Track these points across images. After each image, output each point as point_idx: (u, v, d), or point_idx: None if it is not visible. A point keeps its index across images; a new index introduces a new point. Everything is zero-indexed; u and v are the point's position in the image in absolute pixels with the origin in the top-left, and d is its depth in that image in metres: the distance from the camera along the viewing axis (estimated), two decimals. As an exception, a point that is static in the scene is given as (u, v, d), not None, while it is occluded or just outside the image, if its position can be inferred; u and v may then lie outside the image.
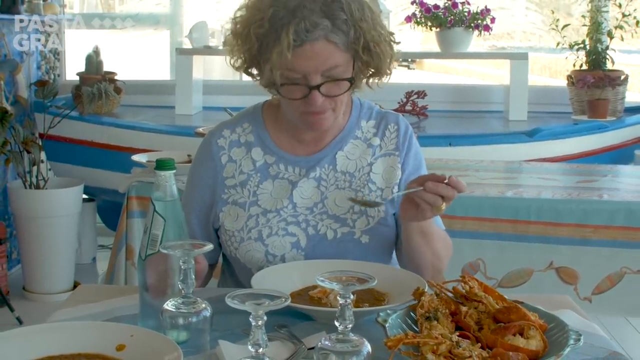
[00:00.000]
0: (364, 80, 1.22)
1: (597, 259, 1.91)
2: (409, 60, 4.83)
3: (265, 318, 0.78)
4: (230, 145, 1.26)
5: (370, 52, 1.16)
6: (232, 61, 1.21)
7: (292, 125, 1.24)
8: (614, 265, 1.91)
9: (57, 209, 2.85)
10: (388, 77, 1.23)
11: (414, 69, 5.40)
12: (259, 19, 1.13)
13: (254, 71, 1.21)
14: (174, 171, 0.99)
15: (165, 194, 0.98)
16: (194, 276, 0.91)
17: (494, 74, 5.22)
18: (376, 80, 1.23)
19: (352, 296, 0.82)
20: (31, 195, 2.83)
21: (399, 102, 3.21)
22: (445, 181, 1.08)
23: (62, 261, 2.89)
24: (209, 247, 0.92)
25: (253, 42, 1.15)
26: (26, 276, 2.90)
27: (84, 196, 3.09)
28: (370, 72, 1.21)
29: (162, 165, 0.98)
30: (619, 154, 2.99)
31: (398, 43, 1.22)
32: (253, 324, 0.78)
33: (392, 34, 1.21)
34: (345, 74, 1.15)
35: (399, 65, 1.46)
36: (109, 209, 3.12)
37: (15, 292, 2.86)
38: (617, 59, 3.27)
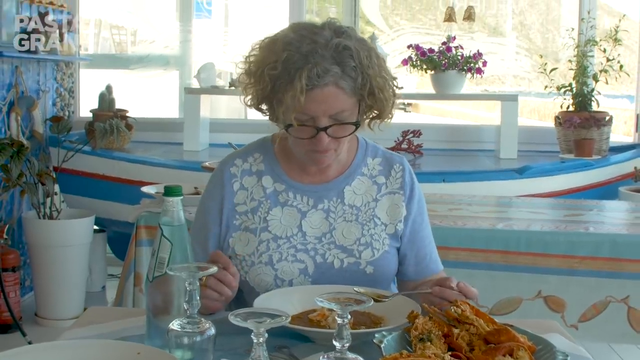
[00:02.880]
0: (367, 122, 1.27)
1: (583, 288, 1.97)
2: (405, 103, 4.90)
3: (266, 335, 0.80)
4: (242, 173, 1.31)
5: (374, 97, 1.20)
6: (245, 99, 1.25)
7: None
8: (599, 294, 1.97)
9: (69, 238, 2.91)
10: (390, 119, 1.28)
11: (410, 111, 5.47)
12: (273, 61, 1.17)
13: (264, 106, 1.26)
14: (182, 197, 1.02)
15: (172, 219, 1.01)
16: (198, 297, 0.92)
17: (485, 117, 5.28)
18: (378, 123, 1.28)
19: (349, 316, 0.85)
20: (45, 225, 2.90)
21: (395, 141, 3.29)
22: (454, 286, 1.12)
23: (73, 289, 2.95)
24: (213, 269, 0.94)
25: (266, 82, 1.18)
26: (38, 302, 2.95)
27: (95, 227, 3.15)
28: (373, 115, 1.26)
29: (170, 191, 1.01)
30: (604, 191, 3.04)
31: (401, 88, 1.27)
32: (254, 341, 0.80)
33: (395, 79, 1.26)
34: (351, 117, 1.20)
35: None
36: (118, 239, 3.18)
37: (28, 318, 2.92)
38: (602, 102, 3.35)
